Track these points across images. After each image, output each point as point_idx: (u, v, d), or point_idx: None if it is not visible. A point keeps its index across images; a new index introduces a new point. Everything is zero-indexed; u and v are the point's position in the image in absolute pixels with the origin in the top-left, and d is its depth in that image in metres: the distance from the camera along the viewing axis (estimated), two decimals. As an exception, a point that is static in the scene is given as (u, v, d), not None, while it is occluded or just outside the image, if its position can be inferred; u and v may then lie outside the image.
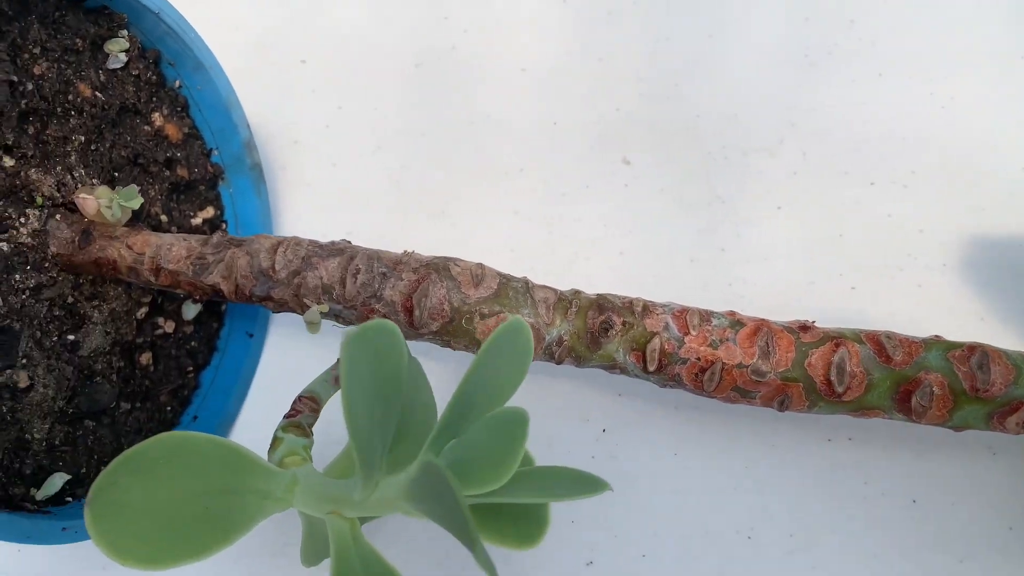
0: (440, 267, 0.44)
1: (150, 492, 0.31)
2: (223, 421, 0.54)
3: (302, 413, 0.42)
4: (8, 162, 0.43)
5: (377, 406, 0.33)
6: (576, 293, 0.45)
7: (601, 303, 0.44)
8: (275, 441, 0.40)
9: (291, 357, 0.58)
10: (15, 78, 0.42)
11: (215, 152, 0.56)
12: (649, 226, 0.59)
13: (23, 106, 0.43)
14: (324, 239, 0.49)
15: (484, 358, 0.36)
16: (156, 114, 0.52)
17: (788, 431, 0.52)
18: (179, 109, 0.53)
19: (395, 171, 0.63)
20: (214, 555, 0.33)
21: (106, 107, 0.48)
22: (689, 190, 0.60)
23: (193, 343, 0.54)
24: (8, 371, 0.42)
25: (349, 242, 0.46)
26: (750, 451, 0.51)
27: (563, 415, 0.54)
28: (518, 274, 0.46)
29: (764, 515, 0.50)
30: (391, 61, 0.66)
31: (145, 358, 0.51)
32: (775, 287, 0.56)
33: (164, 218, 0.52)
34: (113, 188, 0.47)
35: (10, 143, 0.42)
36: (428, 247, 0.62)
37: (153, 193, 0.52)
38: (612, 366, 0.44)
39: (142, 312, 0.51)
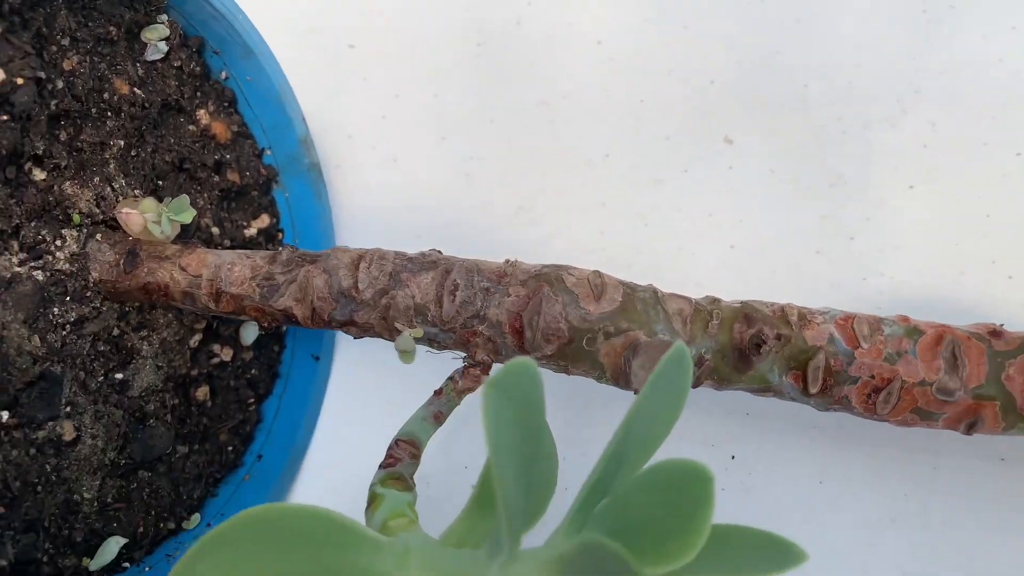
0: (552, 278, 0.37)
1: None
2: (291, 460, 0.47)
3: (401, 461, 0.35)
4: (39, 175, 0.36)
5: (521, 465, 0.27)
6: (714, 301, 0.38)
7: (748, 313, 0.37)
8: (374, 498, 0.33)
9: (363, 381, 0.52)
10: (43, 75, 0.35)
11: (267, 152, 0.49)
12: (761, 214, 0.52)
13: (53, 108, 0.36)
14: (388, 245, 0.42)
15: (646, 401, 0.29)
16: (202, 111, 0.45)
17: (953, 450, 0.44)
18: (226, 104, 0.46)
19: (463, 164, 0.56)
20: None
21: (146, 105, 0.41)
22: (804, 170, 0.52)
23: (253, 371, 0.48)
24: (51, 423, 0.36)
25: (439, 252, 0.39)
26: (909, 476, 0.44)
27: (683, 439, 0.47)
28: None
29: (932, 554, 0.43)
30: (449, 41, 0.59)
31: (201, 392, 0.44)
32: (919, 280, 0.48)
33: (216, 230, 0.45)
34: (159, 199, 0.40)
35: (40, 152, 0.36)
36: (507, 249, 0.55)
37: (202, 202, 0.45)
38: (763, 389, 0.37)
39: (196, 340, 0.44)
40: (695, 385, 0.38)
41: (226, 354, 0.46)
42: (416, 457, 0.36)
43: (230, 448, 0.46)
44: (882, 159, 0.52)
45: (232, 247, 0.46)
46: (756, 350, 0.36)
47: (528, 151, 0.55)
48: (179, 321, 0.43)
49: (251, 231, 0.48)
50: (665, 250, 0.52)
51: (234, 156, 0.47)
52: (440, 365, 0.46)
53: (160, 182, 0.43)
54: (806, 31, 0.55)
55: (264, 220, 0.48)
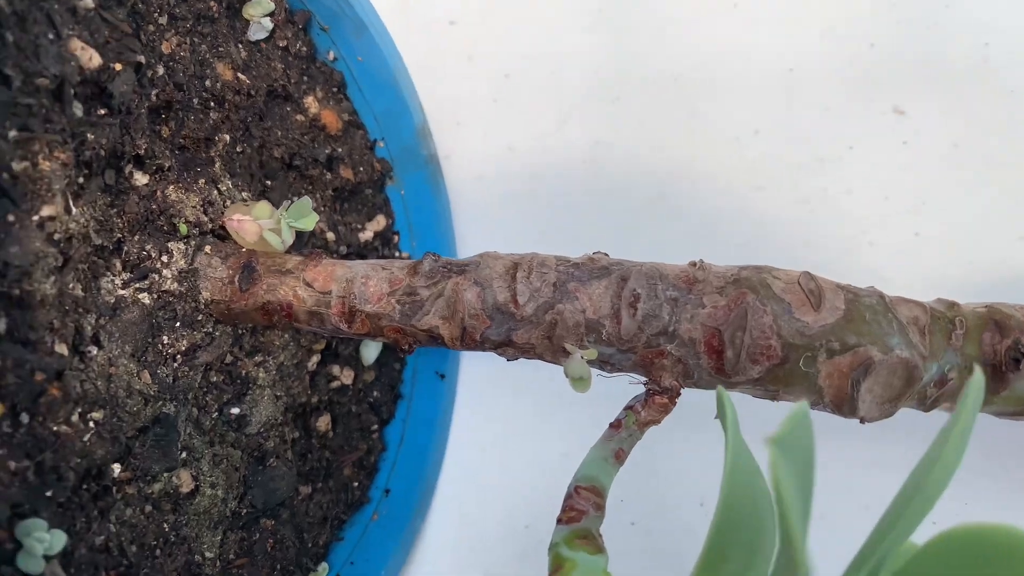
0: (756, 283, 0.30)
1: None
2: (422, 491, 0.42)
3: (585, 514, 0.29)
4: (140, 179, 0.30)
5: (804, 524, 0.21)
6: (952, 306, 0.31)
7: (998, 319, 0.30)
8: (560, 563, 0.27)
9: (492, 399, 0.46)
10: (142, 59, 0.29)
11: (380, 144, 0.43)
12: (948, 195, 0.44)
13: (154, 99, 0.30)
14: (509, 245, 0.36)
15: (935, 449, 0.23)
16: (310, 97, 0.39)
17: None
18: (335, 89, 0.40)
19: (588, 148, 0.49)
20: None
21: (252, 93, 0.35)
22: (995, 143, 0.45)
23: (375, 393, 0.42)
24: (167, 474, 0.30)
25: (606, 254, 0.33)
26: None
27: (842, 482, 0.40)
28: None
29: None
30: (563, 13, 0.52)
31: (323, 422, 0.39)
32: None
33: (331, 236, 0.40)
34: (272, 203, 0.34)
35: (142, 152, 0.30)
36: (648, 246, 0.49)
37: (315, 204, 0.39)
38: (1018, 412, 0.30)
39: (314, 362, 0.39)
40: (930, 408, 0.31)
41: (347, 376, 0.40)
42: (601, 508, 0.29)
43: (355, 484, 0.40)
44: (1093, 126, 0.44)
45: (348, 255, 0.40)
46: (1014, 365, 0.29)
47: (663, 131, 0.49)
48: (296, 342, 0.37)
49: (366, 234, 0.42)
50: (836, 240, 0.45)
51: (346, 149, 0.41)
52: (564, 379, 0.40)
53: (268, 182, 0.37)
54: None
55: (380, 222, 0.43)
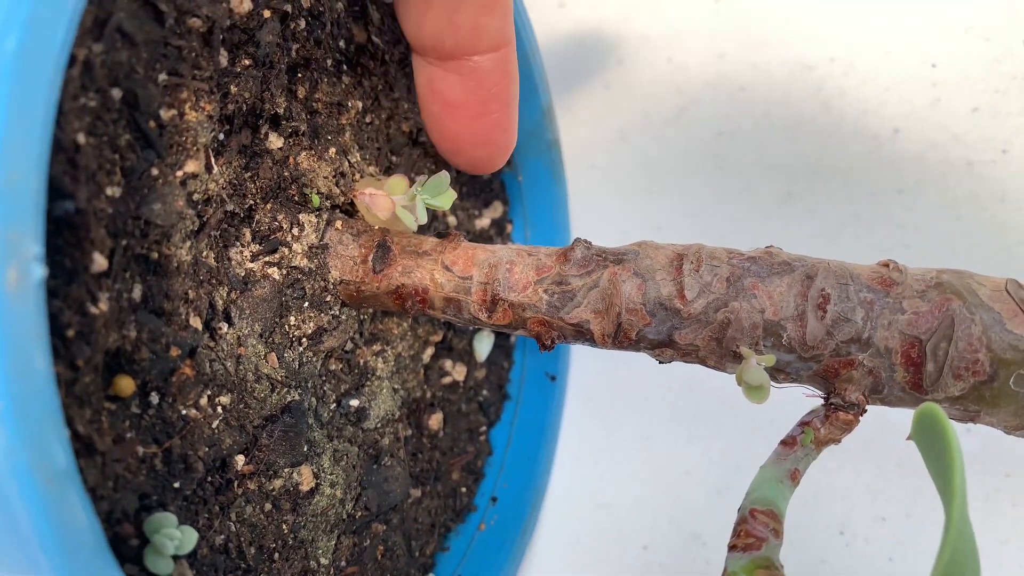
0: (959, 288, 0.27)
1: None
2: (532, 501, 0.38)
3: (765, 541, 0.25)
4: (275, 142, 0.28)
5: None
6: None
7: None
8: None
9: (604, 406, 0.42)
10: (288, 7, 0.26)
11: (509, 125, 0.40)
12: (1117, 206, 0.41)
13: (293, 54, 0.27)
14: (624, 239, 0.32)
15: None
16: (439, 69, 0.36)
17: None
18: (463, 62, 0.37)
19: (709, 141, 0.46)
20: None
21: (385, 59, 0.32)
22: None
23: (485, 392, 0.39)
24: (288, 469, 0.27)
25: (779, 248, 0.29)
26: None
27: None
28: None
29: None
30: (685, -6, 0.49)
31: (435, 421, 0.36)
32: None
33: (452, 220, 0.37)
34: (407, 179, 0.31)
35: (280, 111, 0.27)
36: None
37: (441, 184, 0.36)
38: None
39: (428, 355, 0.36)
40: None
41: (459, 373, 0.37)
42: (779, 534, 0.26)
43: (463, 489, 0.37)
44: None
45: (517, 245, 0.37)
46: None
47: (794, 125, 0.45)
48: (414, 332, 0.34)
49: (483, 221, 0.39)
50: (988, 250, 0.41)
51: (467, 128, 0.38)
52: (700, 392, 0.37)
53: (394, 158, 0.34)
54: None
55: (496, 208, 0.39)
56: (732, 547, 0.26)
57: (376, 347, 0.32)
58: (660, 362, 0.30)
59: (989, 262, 0.41)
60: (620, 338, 0.29)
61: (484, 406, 0.38)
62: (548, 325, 0.29)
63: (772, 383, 0.29)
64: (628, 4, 0.49)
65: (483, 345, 0.38)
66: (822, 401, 0.28)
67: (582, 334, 0.29)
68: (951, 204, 0.42)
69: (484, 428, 0.38)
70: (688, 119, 0.47)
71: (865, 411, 0.28)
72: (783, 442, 0.28)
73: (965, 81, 0.44)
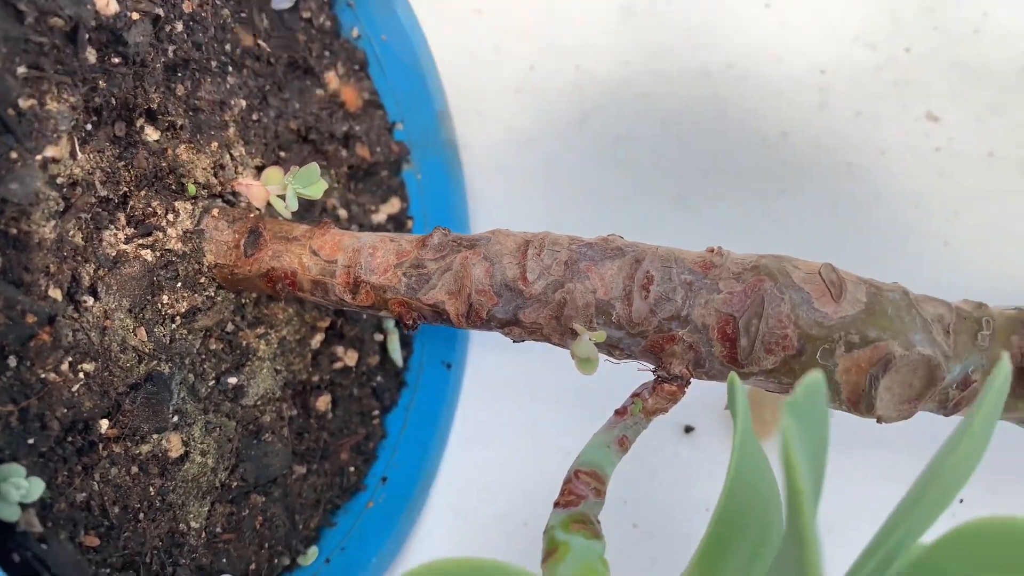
0: (775, 270, 0.29)
1: None
2: (421, 482, 0.40)
3: (584, 499, 0.28)
4: (152, 135, 0.30)
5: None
6: (979, 307, 0.30)
7: (1029, 320, 0.29)
8: (555, 547, 0.26)
9: (498, 393, 0.45)
10: (161, 12, 0.29)
11: (399, 126, 0.42)
12: (980, 205, 0.43)
13: (170, 55, 0.30)
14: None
15: (955, 442, 0.22)
16: (330, 73, 0.38)
17: None
18: (357, 67, 0.40)
19: (611, 145, 0.49)
20: None
21: (272, 61, 0.35)
22: (1033, 155, 0.43)
23: (379, 378, 0.41)
24: (156, 436, 0.30)
25: (621, 236, 0.32)
26: None
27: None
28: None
29: None
30: (591, 6, 0.51)
31: (322, 403, 0.38)
32: None
33: (343, 213, 0.39)
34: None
35: (155, 107, 0.29)
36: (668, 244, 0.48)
37: (328, 180, 0.38)
38: (1046, 419, 0.29)
39: (317, 340, 0.38)
40: (951, 412, 0.30)
41: (350, 358, 0.39)
42: (600, 493, 0.28)
43: (351, 469, 0.39)
44: None
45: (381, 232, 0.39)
46: (1043, 369, 0.28)
47: (688, 130, 0.48)
48: (300, 318, 0.37)
49: (380, 216, 0.41)
50: (862, 245, 0.44)
51: (364, 128, 0.40)
52: (591, 379, 0.39)
53: (283, 153, 0.36)
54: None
55: (394, 204, 0.42)
56: (556, 504, 0.28)
57: (260, 330, 0.35)
58: (513, 340, 0.32)
59: (863, 257, 0.43)
60: (472, 318, 0.31)
61: (378, 391, 0.41)
62: (407, 306, 0.32)
63: (611, 359, 0.31)
64: (542, 13, 0.52)
65: (394, 344, 0.40)
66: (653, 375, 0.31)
67: (439, 314, 0.31)
68: (831, 204, 0.45)
69: (377, 412, 0.41)
70: (592, 124, 0.49)
71: (689, 383, 0.30)
72: (616, 412, 0.30)
73: (850, 87, 0.46)
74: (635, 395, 0.30)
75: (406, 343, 0.42)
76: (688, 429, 0.43)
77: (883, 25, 0.47)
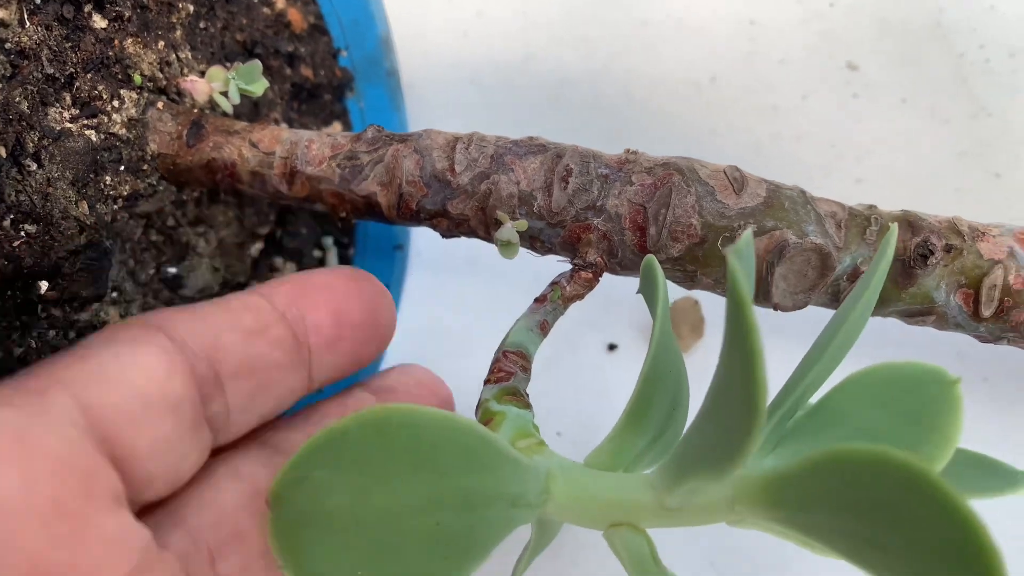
0: (683, 167, 0.31)
1: (362, 496, 0.21)
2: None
3: (513, 375, 0.29)
4: (99, 23, 0.31)
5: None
6: (871, 207, 0.32)
7: (912, 220, 0.32)
8: (490, 416, 0.28)
9: (434, 312, 0.46)
10: (109, -100, 0.30)
11: (344, 53, 0.44)
12: (892, 147, 0.46)
13: (118, -55, 0.31)
14: None
15: (850, 303, 0.24)
16: (277, -9, 0.40)
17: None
18: (304, -12, 0.41)
19: (552, 87, 0.51)
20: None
21: (219, -29, 0.36)
22: (941, 101, 0.46)
23: (318, 289, 0.42)
24: (95, 306, 0.31)
25: (546, 139, 0.34)
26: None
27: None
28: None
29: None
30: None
31: (262, 305, 0.39)
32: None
33: (284, 127, 0.40)
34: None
35: (101, -6, 0.31)
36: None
37: (272, 95, 0.40)
38: (924, 311, 0.32)
39: (256, 248, 0.39)
40: (841, 301, 0.32)
41: (288, 269, 0.41)
42: (527, 371, 0.30)
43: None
44: (1032, 91, 0.46)
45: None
46: (922, 261, 0.31)
47: (626, 74, 0.50)
48: (240, 222, 0.38)
49: (323, 134, 0.43)
50: (784, 180, 0.46)
51: (309, 50, 0.42)
52: (521, 299, 0.41)
53: (228, 63, 0.38)
54: (942, -48, 0.49)
55: (336, 128, 0.44)
56: (487, 381, 0.30)
57: (200, 229, 0.36)
58: (443, 235, 0.34)
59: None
60: (403, 209, 0.33)
61: (317, 302, 0.42)
62: (341, 197, 0.33)
63: (533, 253, 0.34)
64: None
65: (332, 261, 0.42)
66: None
67: (372, 207, 0.33)
68: (756, 144, 0.47)
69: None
70: (534, 65, 0.51)
71: (603, 270, 0.32)
72: (536, 299, 0.32)
73: (778, 36, 0.49)
74: (554, 283, 0.32)
75: (345, 263, 0.44)
76: (612, 347, 0.45)
77: (811, -19, 0.50)
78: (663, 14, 0.50)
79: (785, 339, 0.41)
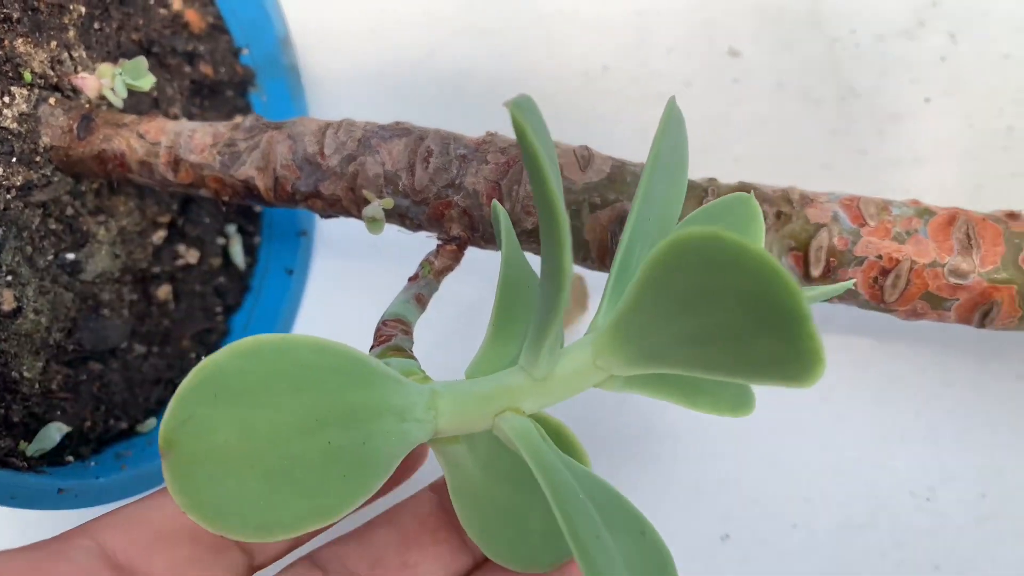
0: (536, 147, 0.34)
1: (247, 426, 0.22)
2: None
3: (395, 336, 0.32)
4: (-15, 24, 0.34)
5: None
6: (711, 180, 0.35)
7: (747, 190, 0.34)
8: None
9: (338, 296, 0.49)
10: (-11, -91, 0.33)
11: (245, 52, 0.46)
12: (768, 128, 0.49)
13: (2, -49, 0.34)
14: None
15: (655, 162, 0.27)
16: (173, -7, 0.42)
17: (965, 365, 0.41)
18: (201, -9, 0.44)
19: (454, 78, 0.53)
20: (349, 512, 0.23)
21: (111, -26, 0.38)
22: (814, 84, 0.49)
23: (222, 279, 0.45)
24: (-12, 289, 0.33)
25: (412, 123, 0.36)
26: (918, 392, 0.41)
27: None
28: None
29: (944, 473, 0.40)
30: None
31: (163, 292, 0.42)
32: (934, 192, 0.45)
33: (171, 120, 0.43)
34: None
35: (-14, -3, 0.33)
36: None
37: (171, 92, 0.42)
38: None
39: (159, 236, 0.42)
40: (688, 270, 0.35)
41: (191, 256, 0.43)
42: (408, 334, 0.32)
43: (193, 355, 0.43)
44: (898, 72, 0.49)
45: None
46: (753, 226, 0.33)
47: (522, 65, 0.53)
48: (141, 212, 0.40)
49: (224, 128, 0.45)
50: (631, 160, 0.49)
51: (208, 49, 0.44)
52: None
53: (125, 61, 0.40)
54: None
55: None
56: (371, 348, 0.32)
57: (100, 218, 0.38)
58: (320, 216, 0.37)
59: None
60: (279, 192, 0.35)
61: (221, 291, 0.44)
62: (222, 182, 0.36)
63: (403, 229, 0.36)
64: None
65: (236, 248, 0.44)
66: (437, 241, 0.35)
67: (250, 190, 0.36)
68: (642, 128, 0.50)
69: (220, 310, 0.44)
70: (436, 59, 0.54)
71: (467, 244, 0.34)
72: (410, 279, 0.35)
73: (665, 26, 0.52)
74: (424, 261, 0.35)
75: (251, 251, 0.46)
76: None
77: (696, -27, 0.53)
78: (555, 8, 0.53)
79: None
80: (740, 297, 0.17)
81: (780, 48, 0.50)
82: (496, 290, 0.27)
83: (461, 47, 0.54)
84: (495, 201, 0.29)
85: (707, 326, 0.19)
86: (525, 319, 0.29)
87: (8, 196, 0.34)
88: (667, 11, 0.52)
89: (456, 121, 0.53)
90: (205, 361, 0.22)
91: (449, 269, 0.35)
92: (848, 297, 0.34)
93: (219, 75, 0.44)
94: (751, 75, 0.50)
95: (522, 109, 0.21)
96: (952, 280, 0.33)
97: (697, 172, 0.48)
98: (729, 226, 0.27)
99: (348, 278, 0.49)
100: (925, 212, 0.34)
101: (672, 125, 0.27)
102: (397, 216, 0.35)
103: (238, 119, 0.36)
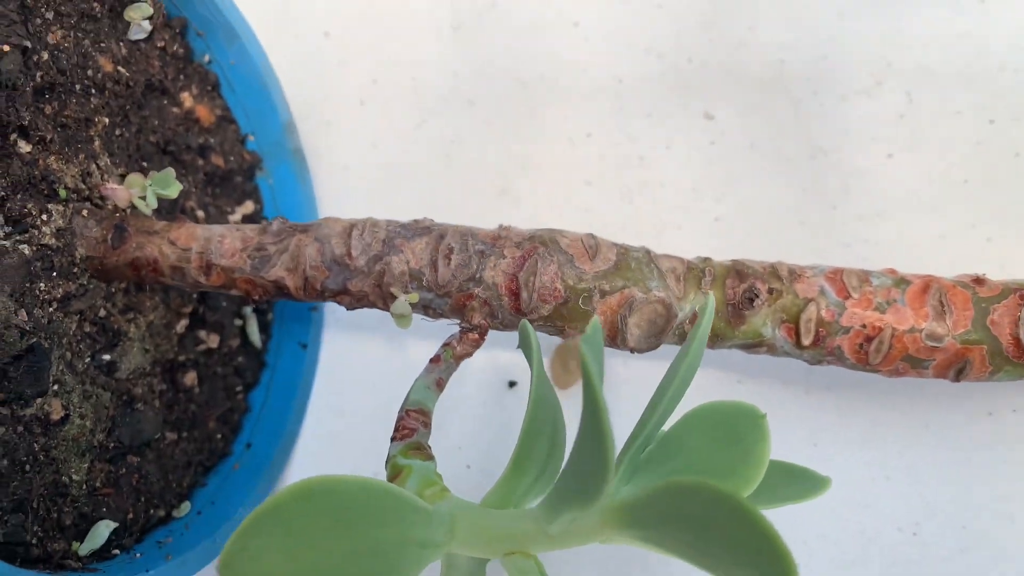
0: (547, 239, 0.37)
1: (292, 557, 0.25)
2: (281, 447, 0.47)
3: (416, 431, 0.34)
4: (24, 147, 0.35)
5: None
6: (706, 260, 0.38)
7: (739, 269, 0.38)
8: (398, 470, 0.33)
9: (352, 367, 0.51)
10: (28, 44, 0.35)
11: (250, 138, 0.48)
12: (745, 187, 0.52)
13: (38, 79, 0.36)
14: None
15: (682, 356, 0.30)
16: (185, 93, 0.44)
17: (940, 407, 0.45)
18: (210, 88, 0.46)
19: (444, 146, 0.56)
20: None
21: (130, 84, 0.41)
22: (785, 143, 0.53)
23: (240, 359, 0.47)
24: (39, 400, 0.35)
25: (431, 219, 0.39)
26: (900, 434, 0.45)
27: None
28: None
29: (927, 508, 0.43)
30: (425, 25, 0.59)
31: (189, 378, 0.44)
32: (900, 244, 0.49)
33: (201, 214, 0.45)
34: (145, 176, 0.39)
35: (26, 123, 0.35)
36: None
37: (187, 185, 0.44)
38: (756, 344, 0.38)
39: (182, 325, 0.44)
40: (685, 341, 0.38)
41: (212, 341, 0.45)
42: (428, 426, 0.35)
43: (219, 436, 0.45)
44: (859, 130, 0.52)
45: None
46: (749, 304, 0.37)
47: (508, 132, 0.56)
48: (165, 305, 0.42)
49: (235, 216, 0.47)
50: (650, 225, 0.52)
51: (218, 140, 0.46)
52: (426, 350, 0.46)
53: (145, 163, 0.42)
54: (776, 8, 0.56)
55: (248, 206, 0.48)
56: (393, 439, 0.35)
57: (129, 315, 0.40)
58: (347, 308, 0.39)
59: (650, 231, 0.52)
60: (308, 290, 0.38)
61: (240, 370, 0.47)
62: (253, 283, 0.38)
63: (426, 318, 0.39)
64: (382, 34, 0.59)
65: (255, 332, 0.46)
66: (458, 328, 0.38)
67: (280, 289, 0.38)
68: (625, 191, 0.53)
69: (240, 388, 0.47)
70: (427, 128, 0.56)
71: (487, 331, 0.37)
72: (431, 360, 0.37)
73: (642, 92, 0.55)
74: (446, 344, 0.38)
75: (265, 328, 0.49)
76: (512, 384, 0.50)
77: (669, 38, 0.56)
78: (538, 77, 0.56)
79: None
80: (737, 545, 0.21)
81: (751, 110, 0.54)
82: (523, 423, 0.30)
83: (449, 115, 0.56)
84: (525, 322, 0.32)
85: (705, 547, 0.22)
86: (543, 454, 0.31)
87: (51, 309, 0.36)
88: (644, 79, 0.55)
89: (449, 187, 0.56)
90: (267, 500, 0.25)
91: (468, 355, 0.37)
92: (836, 360, 0.38)
93: (229, 164, 0.47)
94: (725, 136, 0.53)
95: (590, 344, 0.25)
96: (929, 343, 0.36)
97: (683, 234, 0.52)
98: (733, 442, 0.30)
99: (357, 351, 0.51)
100: (901, 281, 0.37)
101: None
102: (421, 307, 0.38)
103: (264, 223, 0.38)
